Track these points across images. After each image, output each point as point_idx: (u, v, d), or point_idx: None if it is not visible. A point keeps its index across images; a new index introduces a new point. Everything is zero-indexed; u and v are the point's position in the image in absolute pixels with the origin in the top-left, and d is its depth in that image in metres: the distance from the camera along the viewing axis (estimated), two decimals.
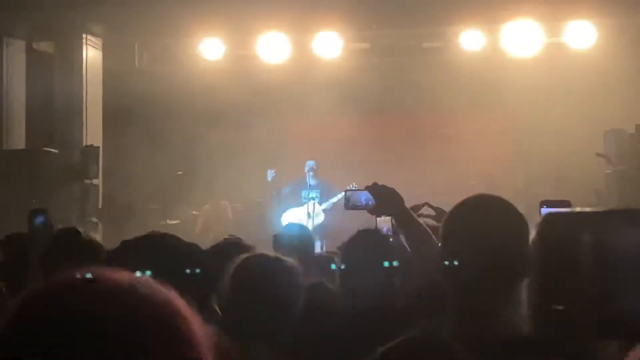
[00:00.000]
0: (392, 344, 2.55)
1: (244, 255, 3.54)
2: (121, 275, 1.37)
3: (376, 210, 4.01)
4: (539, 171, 14.42)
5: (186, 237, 3.11)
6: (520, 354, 2.36)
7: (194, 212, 15.04)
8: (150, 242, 2.91)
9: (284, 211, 13.49)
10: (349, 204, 4.15)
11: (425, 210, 4.45)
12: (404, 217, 3.79)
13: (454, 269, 2.65)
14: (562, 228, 1.11)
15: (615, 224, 1.04)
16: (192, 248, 3.05)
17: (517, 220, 2.64)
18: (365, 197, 4.00)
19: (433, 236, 3.77)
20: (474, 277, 2.55)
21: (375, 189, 3.93)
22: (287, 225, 6.43)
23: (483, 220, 2.63)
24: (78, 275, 1.36)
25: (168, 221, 14.17)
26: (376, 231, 4.33)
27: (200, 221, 14.72)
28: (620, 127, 12.68)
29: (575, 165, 13.50)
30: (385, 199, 3.88)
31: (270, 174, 13.57)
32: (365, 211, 4.09)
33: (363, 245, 4.08)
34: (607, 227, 1.05)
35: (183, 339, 1.34)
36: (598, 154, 12.64)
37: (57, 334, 1.28)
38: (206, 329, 1.39)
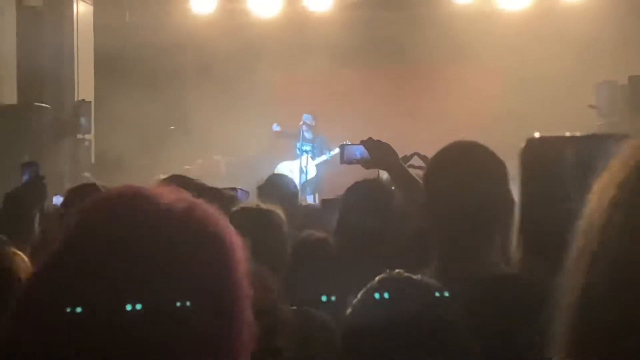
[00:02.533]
0: (376, 282, 2.59)
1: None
2: (180, 195, 1.43)
3: (371, 164, 4.07)
4: (531, 124, 14.38)
5: None
6: (506, 290, 2.41)
7: (187, 167, 14.99)
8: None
9: (278, 163, 13.60)
10: (344, 158, 4.20)
11: (415, 160, 4.49)
12: (398, 171, 3.89)
13: (439, 213, 2.71)
14: (544, 150, 1.14)
15: (599, 146, 1.06)
16: None
17: (496, 162, 2.71)
18: (360, 151, 4.06)
19: None
20: (458, 220, 2.61)
21: (370, 144, 4.00)
22: (271, 176, 6.41)
23: (463, 164, 2.69)
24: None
25: (161, 176, 14.09)
26: (379, 180, 4.36)
27: (192, 176, 14.68)
28: (612, 79, 12.67)
29: (567, 117, 13.47)
30: (379, 153, 3.96)
31: (275, 126, 13.74)
32: (360, 167, 4.16)
33: (365, 191, 4.09)
34: (590, 148, 1.07)
35: (226, 264, 1.40)
36: (590, 106, 12.64)
37: (114, 244, 1.34)
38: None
